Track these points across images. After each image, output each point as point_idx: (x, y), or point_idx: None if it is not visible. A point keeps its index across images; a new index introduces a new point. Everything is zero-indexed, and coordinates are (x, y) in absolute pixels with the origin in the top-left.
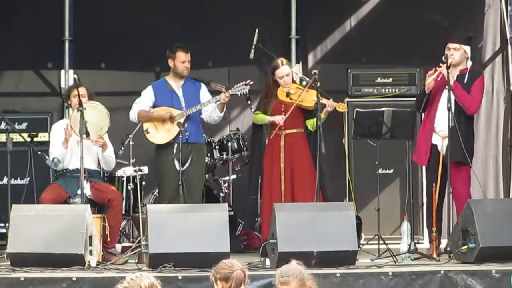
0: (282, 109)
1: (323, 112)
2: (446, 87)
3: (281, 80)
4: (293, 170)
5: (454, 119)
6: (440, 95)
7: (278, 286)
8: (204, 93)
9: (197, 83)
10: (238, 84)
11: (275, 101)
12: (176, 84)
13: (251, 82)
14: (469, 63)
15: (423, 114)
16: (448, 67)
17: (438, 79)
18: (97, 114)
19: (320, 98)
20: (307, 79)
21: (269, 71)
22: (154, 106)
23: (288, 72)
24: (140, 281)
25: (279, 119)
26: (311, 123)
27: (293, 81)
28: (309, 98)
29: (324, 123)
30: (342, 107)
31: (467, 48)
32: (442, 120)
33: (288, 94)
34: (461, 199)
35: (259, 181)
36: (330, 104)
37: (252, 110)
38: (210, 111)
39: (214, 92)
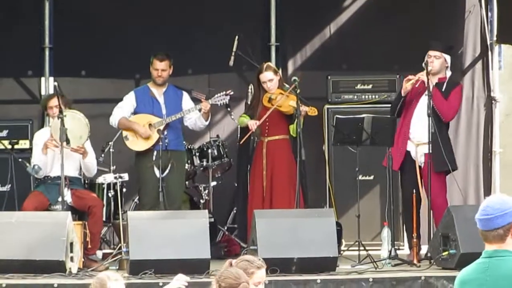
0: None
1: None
2: (426, 93)
3: (264, 85)
4: (273, 177)
5: (434, 126)
6: (417, 102)
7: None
8: (186, 102)
9: (179, 91)
10: (218, 94)
11: (262, 106)
12: (157, 92)
13: (232, 92)
14: (449, 73)
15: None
16: (427, 74)
17: (417, 85)
18: (76, 123)
19: (300, 104)
20: (287, 85)
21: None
22: (135, 113)
23: (270, 78)
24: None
25: (252, 123)
26: (292, 129)
27: (280, 87)
28: (287, 103)
29: (304, 130)
30: (312, 111)
31: (448, 58)
32: (417, 127)
33: (270, 100)
34: (439, 207)
35: (247, 189)
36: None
37: (232, 118)
38: (195, 119)
39: (195, 100)
